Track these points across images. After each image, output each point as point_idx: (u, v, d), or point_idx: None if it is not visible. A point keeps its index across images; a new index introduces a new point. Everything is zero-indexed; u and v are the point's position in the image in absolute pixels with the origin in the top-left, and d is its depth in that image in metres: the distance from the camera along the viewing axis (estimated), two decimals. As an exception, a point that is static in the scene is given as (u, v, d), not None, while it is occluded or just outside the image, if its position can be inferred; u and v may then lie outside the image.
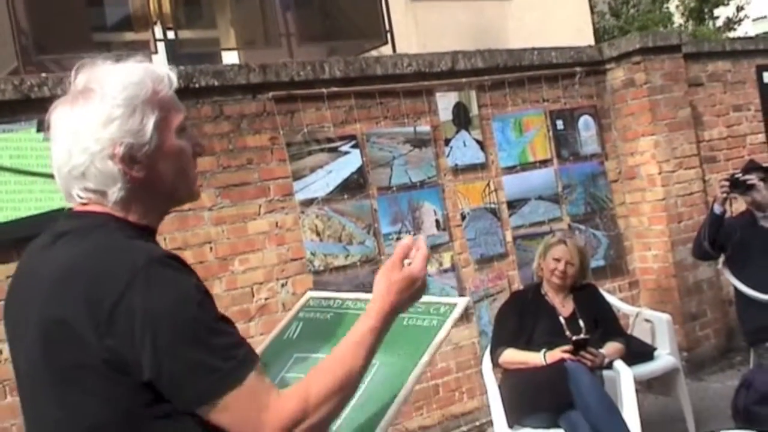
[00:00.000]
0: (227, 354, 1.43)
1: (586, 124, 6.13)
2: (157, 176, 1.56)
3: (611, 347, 4.37)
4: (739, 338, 5.62)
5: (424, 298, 1.77)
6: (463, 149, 5.54)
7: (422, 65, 5.45)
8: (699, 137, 6.42)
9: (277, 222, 4.85)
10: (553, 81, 6.02)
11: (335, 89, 5.08)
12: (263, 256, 4.78)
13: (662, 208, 6.05)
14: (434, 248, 5.31)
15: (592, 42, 9.33)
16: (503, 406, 4.16)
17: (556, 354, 4.11)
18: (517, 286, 5.53)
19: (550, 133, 5.95)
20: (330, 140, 5.04)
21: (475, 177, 5.58)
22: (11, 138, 4.05)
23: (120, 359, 1.40)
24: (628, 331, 5.02)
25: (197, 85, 4.61)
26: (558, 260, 4.50)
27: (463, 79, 5.60)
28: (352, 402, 1.64)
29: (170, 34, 7.11)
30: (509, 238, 5.67)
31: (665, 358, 4.83)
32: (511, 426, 4.08)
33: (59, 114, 1.54)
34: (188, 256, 4.29)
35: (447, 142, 5.49)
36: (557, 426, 3.93)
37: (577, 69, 6.10)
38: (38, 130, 4.05)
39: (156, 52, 6.76)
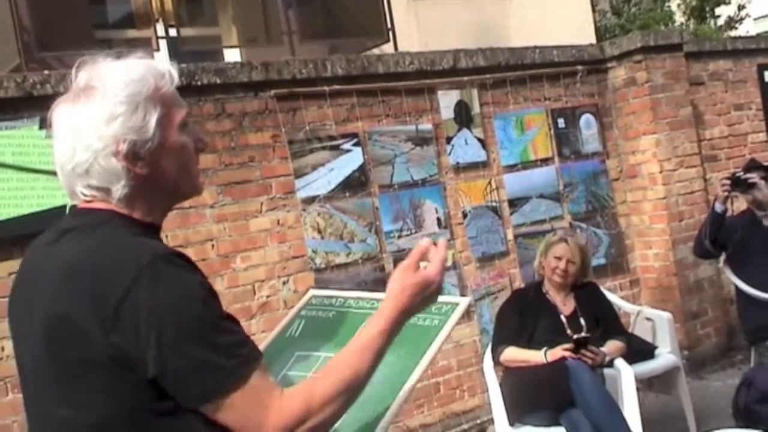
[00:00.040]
0: (231, 352, 1.43)
1: (587, 123, 6.13)
2: (160, 172, 1.57)
3: (612, 345, 4.37)
4: (740, 337, 5.63)
5: None
6: (465, 147, 5.55)
7: (424, 63, 5.45)
8: (700, 136, 6.42)
9: (278, 219, 4.85)
10: (554, 79, 6.02)
11: (337, 87, 5.08)
12: (265, 253, 4.79)
13: (663, 207, 6.05)
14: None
15: (593, 40, 9.32)
16: (504, 404, 4.16)
17: (557, 352, 4.11)
18: (519, 284, 5.53)
19: (552, 131, 5.95)
20: (332, 138, 5.04)
21: (476, 175, 5.59)
22: (14, 135, 4.05)
23: (125, 356, 1.40)
24: (629, 330, 5.02)
25: (199, 83, 4.61)
26: (559, 258, 4.50)
27: (465, 78, 5.60)
28: None
29: (172, 32, 7.11)
30: (510, 236, 5.67)
31: (666, 356, 4.83)
32: (512, 424, 4.09)
33: (61, 112, 1.54)
34: (190, 254, 4.25)
35: (448, 140, 5.49)
36: (558, 424, 3.93)
37: (579, 67, 6.10)
38: (41, 128, 4.05)
39: (158, 49, 6.77)
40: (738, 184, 4.67)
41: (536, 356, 4.18)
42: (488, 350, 4.51)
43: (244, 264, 4.72)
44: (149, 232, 1.57)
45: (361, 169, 5.11)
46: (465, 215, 5.49)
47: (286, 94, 4.91)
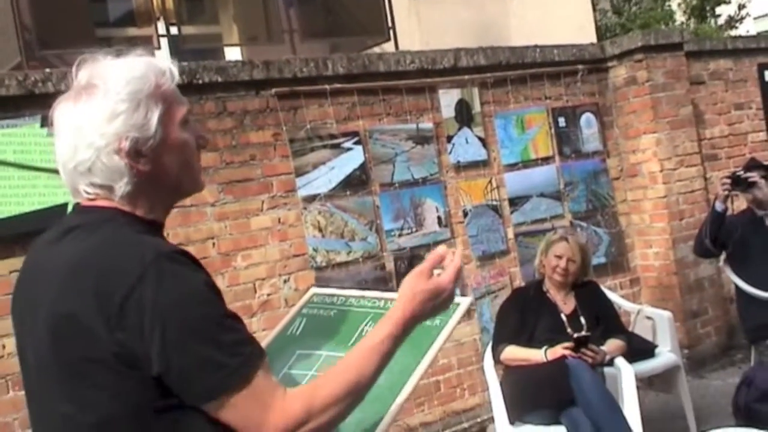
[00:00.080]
0: (235, 351, 1.43)
1: (588, 122, 6.13)
2: (162, 169, 1.57)
3: (612, 344, 4.37)
4: (740, 336, 5.63)
5: None
6: (466, 146, 5.55)
7: (425, 62, 5.45)
8: (700, 135, 6.42)
9: (279, 218, 4.86)
10: (555, 78, 6.02)
11: (338, 86, 5.08)
12: (266, 252, 4.79)
13: (663, 206, 6.05)
14: (436, 245, 5.28)
15: (594, 40, 9.31)
16: (504, 402, 4.16)
17: (558, 351, 4.11)
18: (519, 283, 5.53)
19: (552, 130, 5.95)
20: (333, 137, 5.04)
21: (477, 174, 5.59)
22: (15, 133, 4.06)
23: (130, 353, 1.40)
24: (630, 329, 5.03)
25: (200, 81, 4.62)
26: (560, 257, 4.50)
27: (466, 77, 5.60)
28: None
29: (173, 30, 7.10)
30: (511, 235, 5.67)
31: (666, 355, 4.83)
32: (512, 422, 4.09)
33: (63, 110, 1.55)
34: (191, 252, 4.30)
35: (449, 139, 5.49)
36: (558, 423, 3.94)
37: (579, 66, 6.11)
38: (42, 126, 4.05)
39: (159, 47, 6.76)
40: (738, 183, 4.68)
41: (536, 355, 4.18)
42: (489, 349, 4.51)
43: (244, 262, 4.72)
44: (152, 230, 1.57)
45: (362, 167, 5.12)
46: (465, 214, 5.49)
47: (287, 92, 4.92)
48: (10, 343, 3.82)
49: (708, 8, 14.25)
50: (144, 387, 1.42)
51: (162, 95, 1.56)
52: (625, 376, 4.19)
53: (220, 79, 4.70)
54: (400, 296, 1.62)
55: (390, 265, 5.14)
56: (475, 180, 5.57)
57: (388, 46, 7.85)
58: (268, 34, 7.99)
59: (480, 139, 5.61)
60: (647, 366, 4.69)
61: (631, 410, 4.04)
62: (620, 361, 4.29)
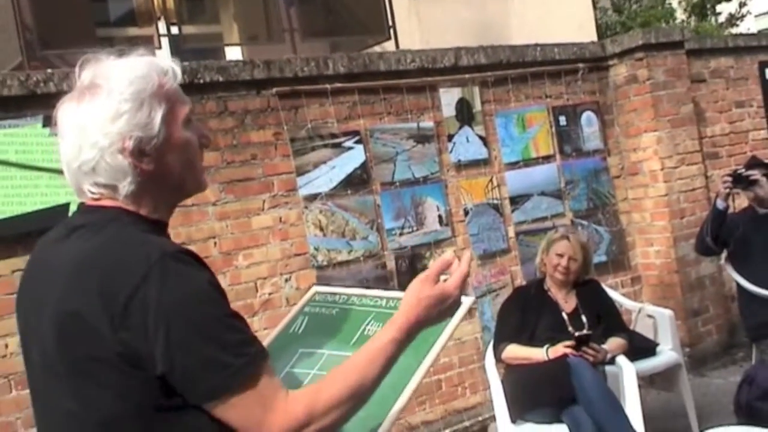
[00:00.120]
0: (239, 350, 1.44)
1: (588, 120, 6.13)
2: (166, 168, 1.57)
3: (614, 343, 4.37)
4: (742, 334, 5.63)
5: None
6: (466, 145, 5.55)
7: (425, 61, 5.45)
8: (701, 133, 6.42)
9: (280, 217, 4.86)
10: (555, 77, 6.02)
11: (339, 85, 5.09)
12: (267, 251, 4.80)
13: (665, 204, 6.06)
14: (437, 244, 5.33)
15: (594, 38, 9.32)
16: (506, 401, 4.16)
17: (559, 349, 4.11)
18: (520, 281, 5.54)
19: (553, 129, 5.96)
20: (333, 136, 5.05)
21: (477, 173, 5.59)
22: (17, 133, 4.06)
23: (134, 352, 1.40)
24: (631, 327, 5.03)
25: (201, 81, 4.62)
26: (561, 256, 4.51)
27: (466, 75, 5.60)
28: None
29: (174, 30, 7.12)
30: (512, 233, 5.68)
31: (667, 353, 4.83)
32: (513, 421, 4.09)
33: (66, 110, 1.55)
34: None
35: (450, 137, 5.49)
36: (560, 421, 3.94)
37: (580, 65, 6.11)
38: (44, 126, 4.06)
39: (160, 47, 6.77)
40: (739, 181, 4.68)
41: (538, 353, 4.18)
42: (490, 347, 4.51)
43: (246, 261, 4.73)
44: (157, 229, 1.58)
45: (363, 166, 5.12)
46: (466, 213, 5.50)
47: (288, 92, 4.92)
48: (13, 343, 3.81)
49: (709, 6, 14.26)
50: (148, 386, 1.42)
51: (165, 95, 1.56)
52: (627, 374, 4.19)
53: (221, 79, 4.70)
54: (404, 301, 1.62)
55: (391, 264, 5.14)
56: (476, 179, 5.57)
57: (389, 45, 7.86)
58: (269, 34, 8.01)
59: (481, 137, 5.62)
60: (648, 364, 4.70)
61: (633, 408, 4.04)
62: (621, 360, 4.29)
